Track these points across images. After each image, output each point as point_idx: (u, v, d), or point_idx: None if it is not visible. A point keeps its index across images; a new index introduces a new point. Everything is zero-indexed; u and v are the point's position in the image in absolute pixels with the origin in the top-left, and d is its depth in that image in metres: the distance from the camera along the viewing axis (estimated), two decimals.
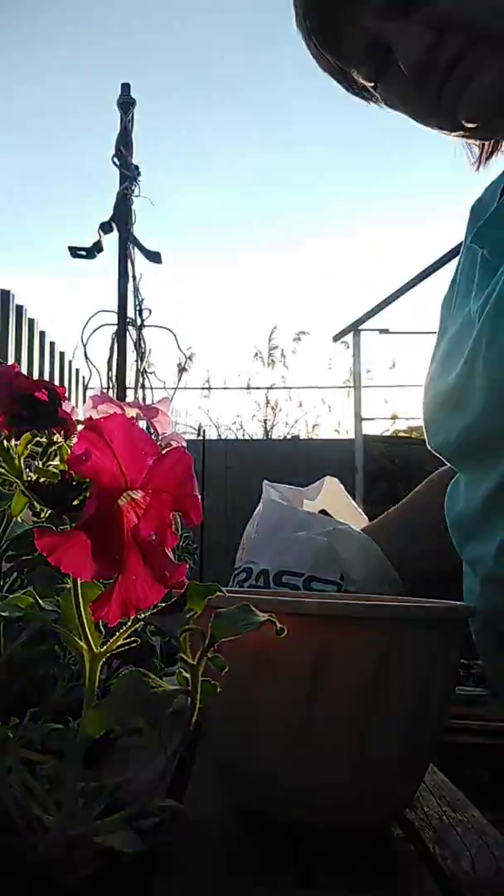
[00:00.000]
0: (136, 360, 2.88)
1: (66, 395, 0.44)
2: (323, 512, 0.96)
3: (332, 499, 1.00)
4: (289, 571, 0.80)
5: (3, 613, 0.42)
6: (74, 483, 0.34)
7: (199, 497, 0.32)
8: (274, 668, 0.53)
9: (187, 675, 0.35)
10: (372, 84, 0.69)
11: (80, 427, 0.37)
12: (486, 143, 0.75)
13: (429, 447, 0.78)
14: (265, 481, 0.95)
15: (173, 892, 0.39)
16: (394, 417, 6.17)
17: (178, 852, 0.39)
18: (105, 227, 2.79)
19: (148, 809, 0.38)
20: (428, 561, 0.88)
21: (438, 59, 0.62)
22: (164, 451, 0.32)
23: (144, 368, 2.82)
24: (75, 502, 0.34)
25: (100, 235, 2.78)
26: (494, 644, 0.69)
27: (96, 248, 2.77)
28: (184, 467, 0.32)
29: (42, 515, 0.43)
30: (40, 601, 0.41)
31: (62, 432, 0.38)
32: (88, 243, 2.77)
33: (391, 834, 0.59)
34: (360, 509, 1.03)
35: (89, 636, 0.36)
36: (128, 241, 2.83)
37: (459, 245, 0.83)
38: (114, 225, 2.81)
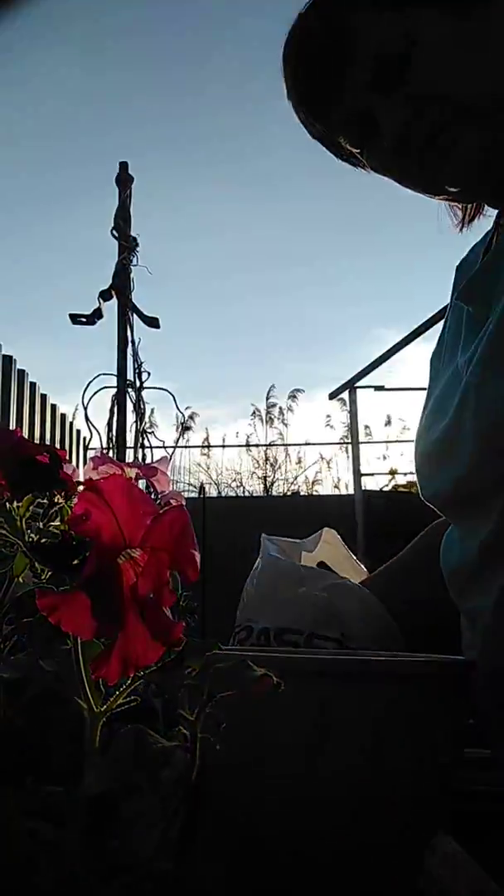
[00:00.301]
0: (136, 421, 2.91)
1: (67, 456, 0.45)
2: (322, 564, 0.97)
3: (331, 551, 1.01)
4: (289, 629, 0.80)
5: (3, 675, 0.42)
6: (75, 543, 0.35)
7: (197, 554, 0.33)
8: (276, 724, 0.53)
9: (187, 732, 0.35)
10: (358, 150, 0.73)
11: (80, 488, 0.38)
12: (469, 206, 0.78)
13: (421, 498, 0.79)
14: (263, 535, 0.95)
15: None
16: (392, 472, 6.18)
17: None
18: (105, 295, 2.87)
19: (148, 874, 0.38)
20: (429, 613, 0.87)
21: (418, 132, 0.66)
22: (162, 510, 0.33)
23: (144, 429, 2.85)
24: (75, 562, 0.35)
25: (100, 303, 2.85)
26: (495, 702, 0.68)
27: (96, 316, 2.84)
28: (181, 525, 0.33)
29: (43, 576, 0.44)
30: (41, 662, 0.42)
31: (63, 493, 0.40)
32: (89, 311, 2.84)
33: None
34: (362, 564, 1.04)
35: (90, 695, 0.36)
36: (126, 309, 2.90)
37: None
38: (113, 293, 2.88)
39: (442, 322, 0.87)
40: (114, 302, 2.90)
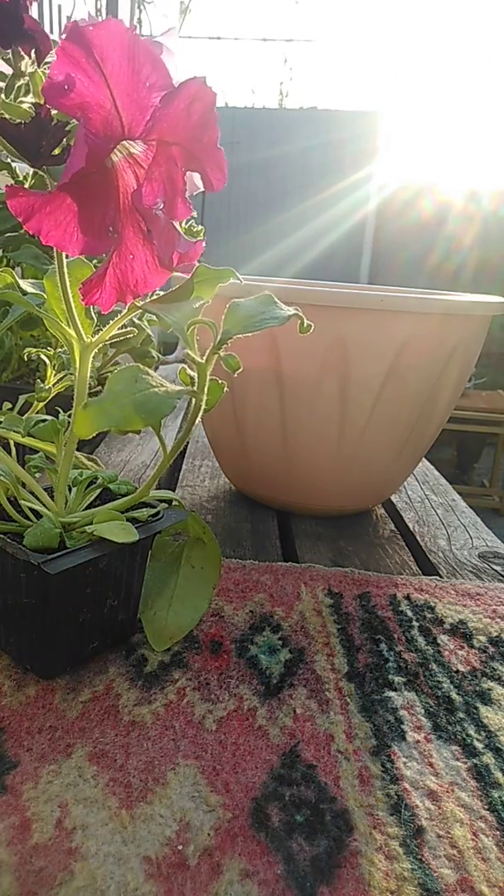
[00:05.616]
0: None
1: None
2: None
3: None
4: None
5: None
6: (54, 123, 0.26)
7: (222, 152, 0.24)
8: (282, 358, 0.49)
9: (192, 374, 0.30)
10: None
11: (61, 40, 0.27)
12: None
13: None
14: None
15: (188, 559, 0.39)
16: None
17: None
18: None
19: (142, 499, 0.37)
20: None
21: None
22: (177, 85, 0.23)
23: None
24: (56, 151, 0.26)
25: None
26: None
27: None
28: (203, 108, 0.23)
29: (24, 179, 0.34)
30: (21, 282, 0.35)
31: (33, 52, 0.28)
32: None
33: (374, 515, 0.62)
34: None
35: (79, 324, 0.31)
36: None
37: None
38: None
39: None
40: None
